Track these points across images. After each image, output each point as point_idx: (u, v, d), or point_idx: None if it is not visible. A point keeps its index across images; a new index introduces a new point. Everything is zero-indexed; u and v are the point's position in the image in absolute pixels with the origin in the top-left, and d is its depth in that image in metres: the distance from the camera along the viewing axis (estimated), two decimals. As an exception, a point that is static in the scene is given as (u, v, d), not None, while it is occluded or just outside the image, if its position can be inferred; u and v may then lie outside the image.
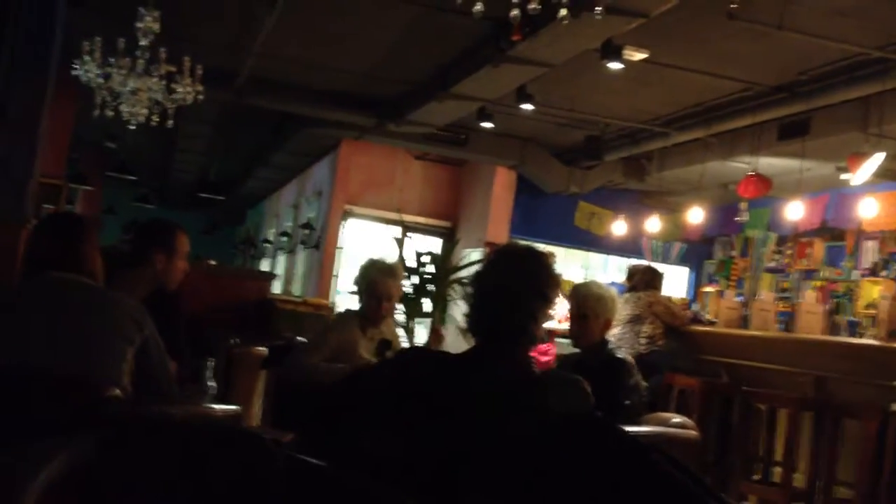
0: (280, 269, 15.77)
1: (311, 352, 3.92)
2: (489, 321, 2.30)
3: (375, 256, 4.19)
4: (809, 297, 9.06)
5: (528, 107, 8.38)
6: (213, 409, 2.65)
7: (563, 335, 6.50)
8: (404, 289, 9.36)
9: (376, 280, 3.92)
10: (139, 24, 6.34)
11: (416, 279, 9.59)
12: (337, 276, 12.41)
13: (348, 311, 4.23)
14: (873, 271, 9.90)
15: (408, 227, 10.76)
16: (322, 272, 12.36)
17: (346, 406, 2.31)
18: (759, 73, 7.75)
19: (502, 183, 11.99)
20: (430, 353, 2.57)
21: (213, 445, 1.51)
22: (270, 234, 17.80)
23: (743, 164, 9.16)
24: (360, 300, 4.01)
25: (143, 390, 2.64)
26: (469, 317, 2.35)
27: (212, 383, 2.89)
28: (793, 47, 6.82)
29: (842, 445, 5.14)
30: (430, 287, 9.62)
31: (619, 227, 11.19)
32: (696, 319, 7.34)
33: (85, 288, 2.77)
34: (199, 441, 1.58)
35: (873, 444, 4.75)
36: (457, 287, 9.63)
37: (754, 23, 6.32)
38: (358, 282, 4.03)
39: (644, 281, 7.07)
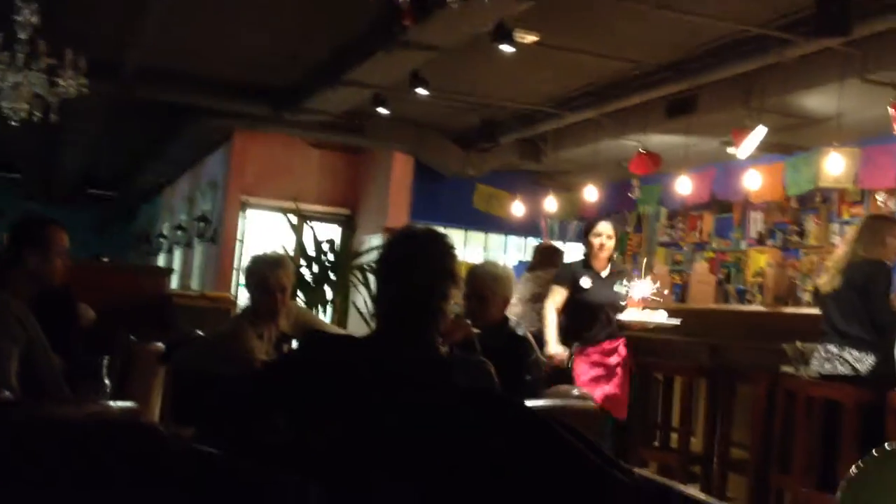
0: (177, 264, 15.43)
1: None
2: (401, 304, 2.29)
3: (260, 252, 4.10)
4: (701, 268, 9.34)
5: (422, 92, 8.39)
6: (110, 406, 2.60)
7: (638, 328, 5.52)
8: (306, 277, 9.31)
9: (266, 274, 3.80)
10: (18, 17, 6.13)
11: (316, 268, 9.52)
12: (238, 270, 12.22)
13: (236, 319, 4.05)
14: (760, 241, 10.29)
15: (307, 216, 10.65)
16: (221, 265, 12.16)
17: (251, 398, 2.28)
18: (646, 53, 7.94)
19: (400, 168, 12.01)
20: (337, 338, 2.55)
21: (109, 440, 1.49)
22: (165, 228, 17.36)
23: (633, 142, 9.38)
24: (252, 298, 3.89)
25: (29, 390, 2.57)
26: (378, 300, 2.34)
27: (106, 381, 2.84)
28: (678, 26, 7.00)
29: (736, 409, 5.36)
30: (332, 275, 9.58)
31: (517, 208, 11.33)
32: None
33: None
34: (96, 437, 1.55)
35: (764, 404, 4.97)
36: (358, 274, 9.61)
37: (640, 3, 6.47)
38: (247, 279, 3.92)
39: (542, 260, 7.19)
